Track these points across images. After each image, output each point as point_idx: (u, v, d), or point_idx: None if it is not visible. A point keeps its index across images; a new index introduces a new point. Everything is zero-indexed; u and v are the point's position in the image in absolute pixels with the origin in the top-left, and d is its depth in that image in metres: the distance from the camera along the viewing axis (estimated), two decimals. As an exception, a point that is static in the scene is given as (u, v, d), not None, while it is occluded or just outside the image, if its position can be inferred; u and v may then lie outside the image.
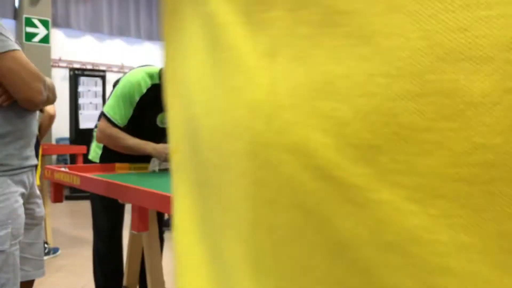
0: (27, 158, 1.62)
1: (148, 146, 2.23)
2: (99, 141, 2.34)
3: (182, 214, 0.34)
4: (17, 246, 1.57)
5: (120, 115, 2.24)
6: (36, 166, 1.71)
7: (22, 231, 1.59)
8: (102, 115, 2.30)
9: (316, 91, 0.23)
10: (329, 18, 0.23)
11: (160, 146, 2.24)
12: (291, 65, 0.24)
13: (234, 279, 0.28)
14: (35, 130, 1.66)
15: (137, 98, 2.24)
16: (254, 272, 0.26)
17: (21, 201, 1.59)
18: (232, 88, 0.27)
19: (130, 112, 2.27)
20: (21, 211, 1.58)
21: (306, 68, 0.23)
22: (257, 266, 0.26)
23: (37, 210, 1.73)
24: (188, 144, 0.32)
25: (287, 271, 0.25)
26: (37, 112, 1.69)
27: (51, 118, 3.72)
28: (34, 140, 1.67)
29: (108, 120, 2.25)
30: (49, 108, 3.64)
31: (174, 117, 0.36)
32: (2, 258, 1.52)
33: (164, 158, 2.23)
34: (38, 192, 1.76)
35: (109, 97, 2.39)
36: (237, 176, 0.27)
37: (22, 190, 1.60)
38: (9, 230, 1.52)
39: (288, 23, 0.24)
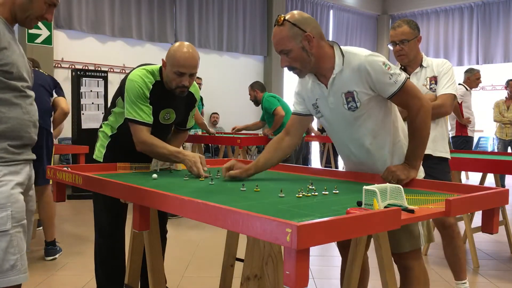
0: (20, 153, 1.66)
1: (180, 155, 2.19)
2: (140, 150, 2.28)
3: None
4: (20, 229, 1.59)
5: (145, 114, 2.24)
6: (32, 160, 1.74)
7: (24, 216, 1.62)
8: (130, 124, 2.26)
9: None
10: None
11: (190, 154, 2.18)
12: None
13: None
14: (31, 133, 1.69)
15: (147, 93, 2.25)
16: None
17: (19, 189, 1.63)
18: None
19: (150, 107, 2.26)
20: (21, 198, 1.62)
21: None
22: None
23: (30, 203, 1.77)
24: None
25: None
26: (36, 118, 1.72)
27: (65, 114, 3.85)
28: (30, 143, 1.70)
29: (138, 123, 2.23)
30: (64, 105, 3.77)
31: None
32: (6, 239, 1.55)
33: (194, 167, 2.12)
34: (33, 186, 1.80)
35: (113, 100, 2.39)
36: None
37: (19, 179, 1.64)
38: (9, 212, 1.56)
39: None
